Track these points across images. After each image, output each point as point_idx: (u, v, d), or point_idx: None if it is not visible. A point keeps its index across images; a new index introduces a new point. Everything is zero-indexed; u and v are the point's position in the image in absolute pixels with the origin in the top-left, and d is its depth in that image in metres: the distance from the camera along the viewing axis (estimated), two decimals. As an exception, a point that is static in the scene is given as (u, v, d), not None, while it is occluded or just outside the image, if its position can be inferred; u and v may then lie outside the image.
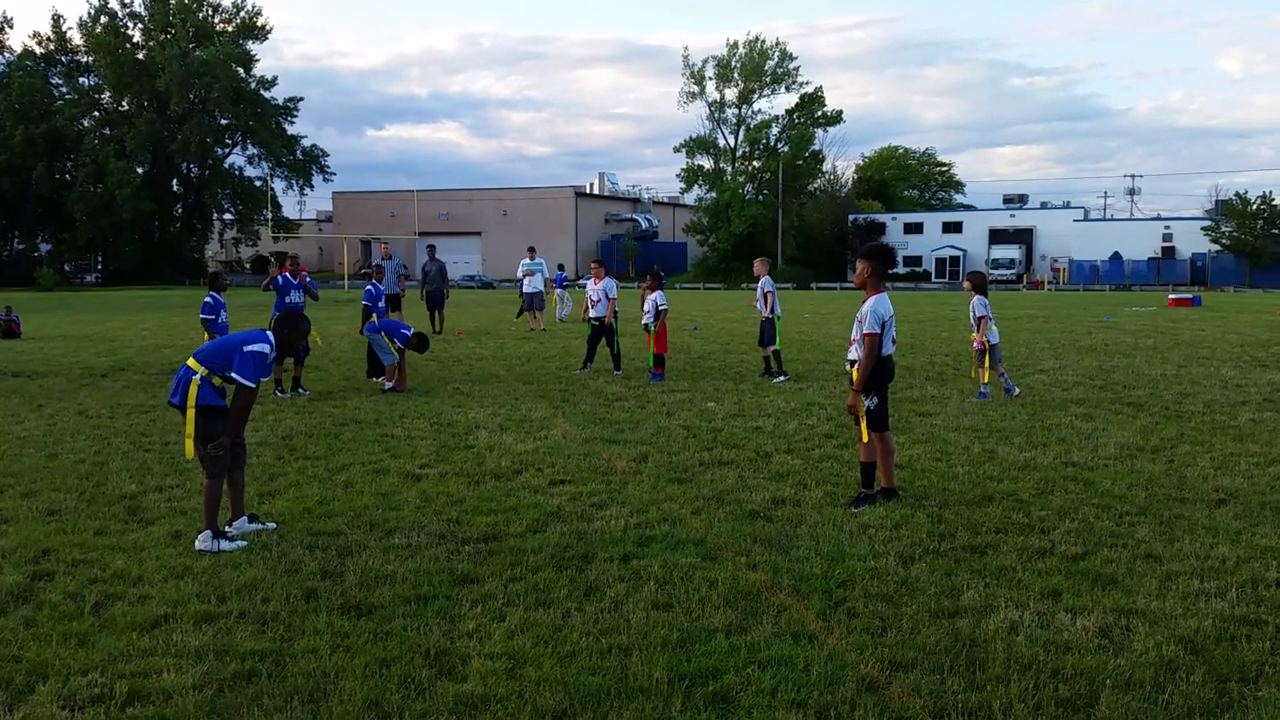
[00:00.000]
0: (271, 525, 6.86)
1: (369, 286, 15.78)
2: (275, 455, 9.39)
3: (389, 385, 13.81)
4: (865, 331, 7.35)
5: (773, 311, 15.21)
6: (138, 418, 11.64)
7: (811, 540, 6.50)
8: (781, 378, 14.94)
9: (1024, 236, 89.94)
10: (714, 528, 6.86)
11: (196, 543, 6.49)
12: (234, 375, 6.54)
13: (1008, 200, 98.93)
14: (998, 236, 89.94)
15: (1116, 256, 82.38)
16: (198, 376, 6.59)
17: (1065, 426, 10.76)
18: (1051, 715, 4.14)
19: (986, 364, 13.05)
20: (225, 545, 6.42)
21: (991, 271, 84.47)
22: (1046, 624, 5.11)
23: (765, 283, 15.41)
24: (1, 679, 4.48)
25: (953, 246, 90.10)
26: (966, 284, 13.62)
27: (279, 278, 14.60)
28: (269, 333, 6.80)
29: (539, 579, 5.81)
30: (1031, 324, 28.82)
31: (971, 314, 13.31)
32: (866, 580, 5.74)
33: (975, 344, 13.18)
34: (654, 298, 15.38)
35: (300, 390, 13.65)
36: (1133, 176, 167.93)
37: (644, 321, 15.60)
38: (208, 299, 14.01)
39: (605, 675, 4.50)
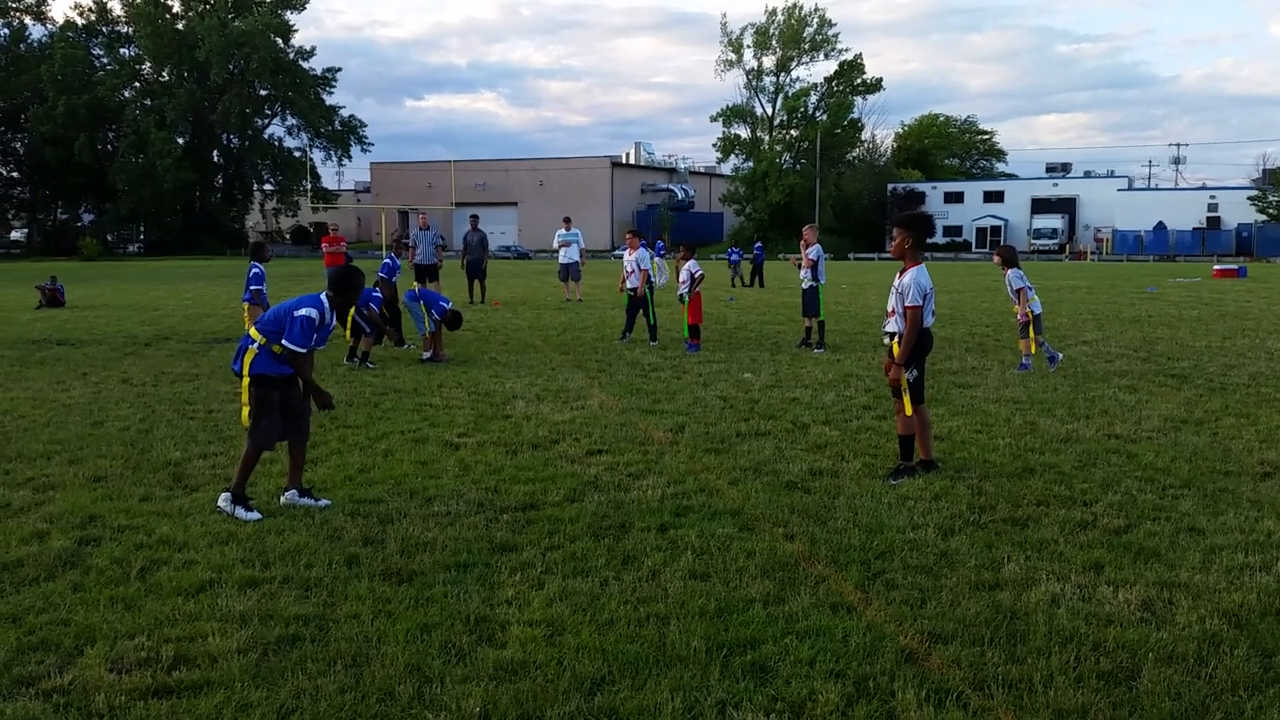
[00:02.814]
0: (325, 502, 6.80)
1: (386, 259, 15.86)
2: (317, 424, 9.47)
3: (426, 355, 13.88)
4: (908, 304, 7.26)
5: (817, 280, 15.08)
6: (181, 386, 11.80)
7: (849, 511, 6.49)
8: (820, 350, 14.84)
9: (1067, 206, 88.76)
10: (751, 498, 6.85)
11: (219, 499, 6.60)
12: (285, 342, 6.56)
13: (1050, 169, 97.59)
14: (1040, 206, 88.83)
15: (1161, 226, 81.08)
16: (255, 345, 6.63)
17: (1108, 399, 10.63)
18: (1093, 688, 4.11)
19: (1031, 335, 12.88)
20: (241, 513, 6.46)
21: (1034, 241, 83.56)
22: (1088, 597, 5.07)
23: (814, 250, 15.19)
24: (50, 642, 4.57)
25: (994, 216, 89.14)
26: (996, 259, 13.43)
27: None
28: (323, 297, 6.78)
29: (577, 548, 5.84)
30: (1074, 295, 28.47)
31: (1009, 288, 13.13)
32: (905, 552, 5.72)
33: (1020, 317, 12.99)
34: (688, 267, 15.33)
35: (368, 364, 13.51)
36: (1178, 145, 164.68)
37: (679, 293, 15.57)
38: (256, 269, 13.98)
39: (643, 643, 4.52)
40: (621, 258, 16.66)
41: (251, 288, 13.95)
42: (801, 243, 15.45)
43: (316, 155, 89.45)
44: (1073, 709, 3.96)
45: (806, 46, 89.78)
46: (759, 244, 38.85)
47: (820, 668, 4.27)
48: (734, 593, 5.13)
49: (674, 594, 5.11)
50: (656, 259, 17.41)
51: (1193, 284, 35.21)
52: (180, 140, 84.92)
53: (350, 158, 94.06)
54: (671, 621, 4.76)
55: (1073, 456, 8.02)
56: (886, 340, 7.63)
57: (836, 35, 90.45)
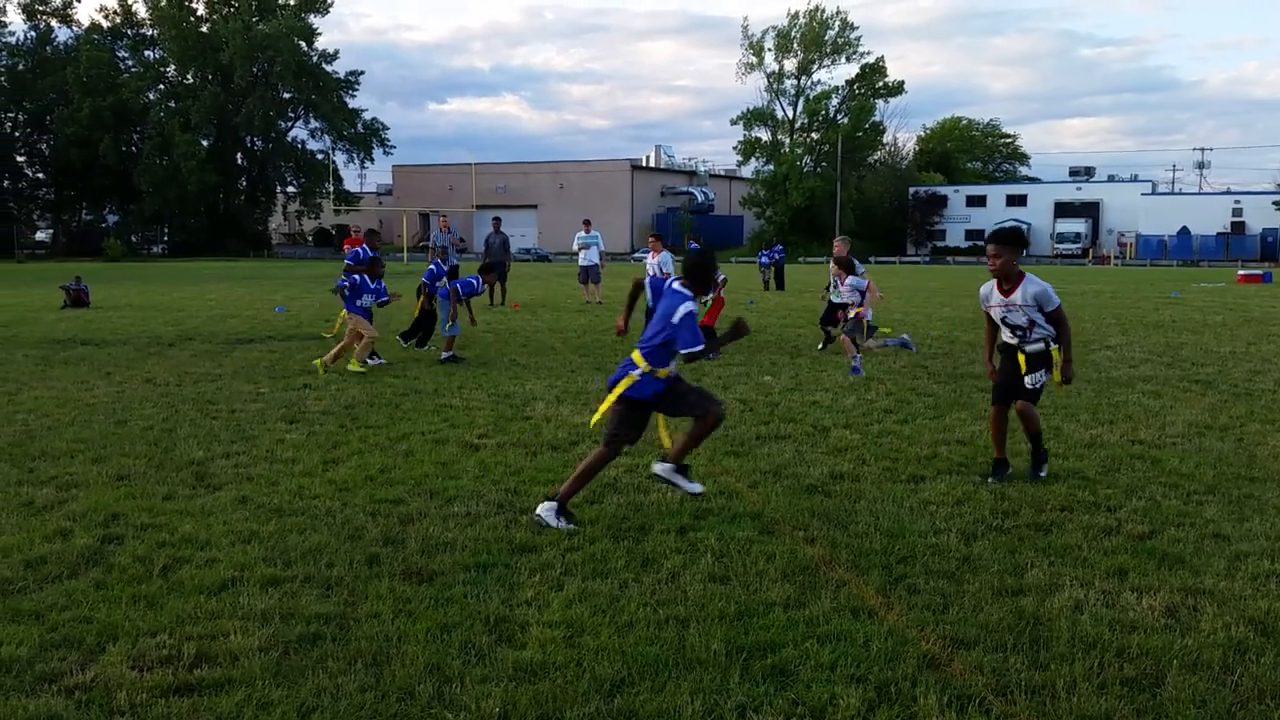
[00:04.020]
0: (697, 488, 6.55)
1: (430, 265, 15.78)
2: (338, 424, 9.53)
3: (445, 355, 13.92)
4: (1053, 307, 7.18)
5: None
6: (204, 386, 11.87)
7: (871, 516, 6.45)
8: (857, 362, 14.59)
9: (1090, 210, 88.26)
10: (771, 501, 6.83)
11: (540, 510, 6.28)
12: (684, 350, 6.27)
13: (1074, 173, 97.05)
14: (1063, 210, 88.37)
15: (1185, 231, 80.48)
16: (638, 372, 6.37)
17: (1132, 404, 10.55)
18: (1117, 694, 4.07)
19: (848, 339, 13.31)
20: (562, 524, 6.18)
21: (1057, 245, 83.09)
22: (1112, 603, 5.02)
23: (857, 281, 14.39)
24: (73, 639, 4.60)
25: (1017, 220, 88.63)
26: (834, 268, 14.09)
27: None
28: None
29: (596, 549, 5.83)
30: (1098, 299, 28.29)
31: (846, 292, 13.74)
32: (927, 557, 5.69)
33: (852, 315, 13.46)
34: (659, 259, 15.45)
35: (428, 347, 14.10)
36: (1202, 150, 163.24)
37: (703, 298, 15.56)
38: (358, 278, 13.45)
39: (663, 646, 4.51)
40: (644, 260, 16.70)
41: (378, 299, 13.45)
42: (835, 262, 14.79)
43: (339, 158, 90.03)
44: (1096, 716, 3.92)
45: (828, 49, 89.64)
46: (780, 246, 38.74)
47: (841, 672, 4.25)
48: (754, 596, 5.11)
49: (694, 596, 5.10)
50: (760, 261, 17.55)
51: (1217, 289, 34.91)
52: (204, 142, 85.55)
53: (372, 160, 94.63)
54: (691, 624, 4.75)
55: (1096, 462, 7.96)
56: (1005, 349, 7.51)
57: (858, 38, 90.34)
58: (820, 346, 15.32)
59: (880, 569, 5.48)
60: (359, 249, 14.09)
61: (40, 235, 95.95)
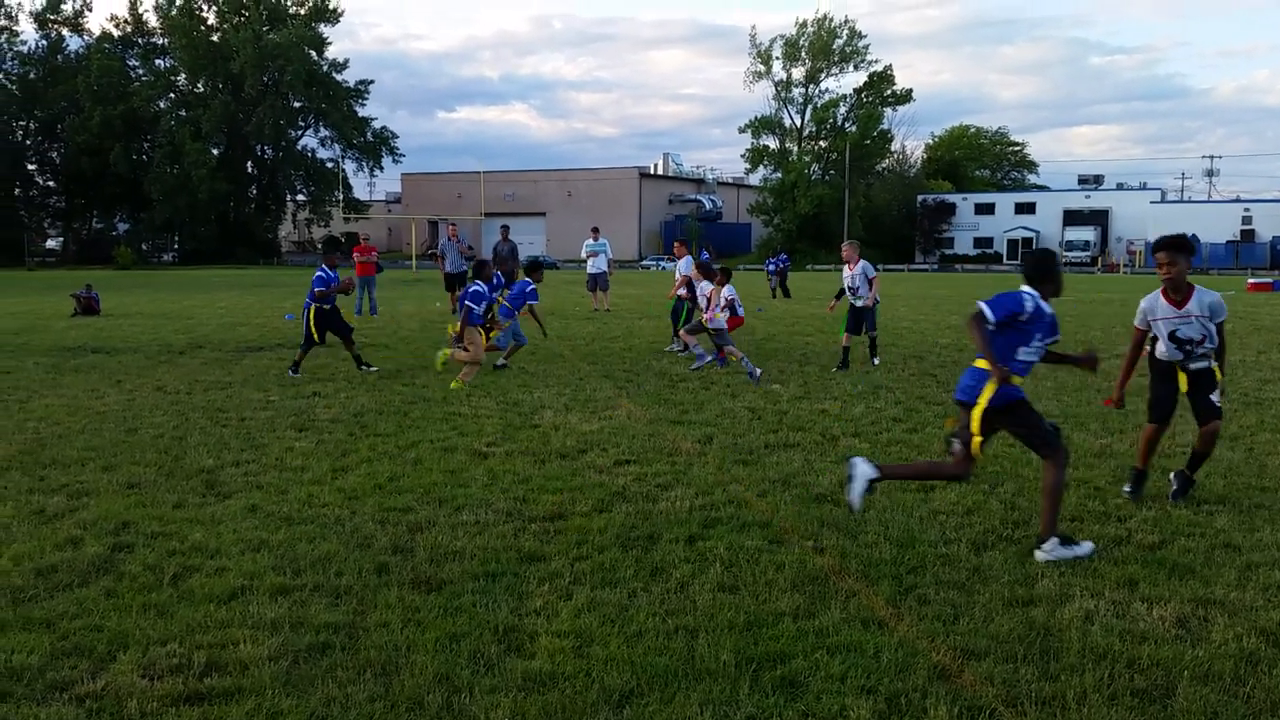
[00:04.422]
0: (1085, 547, 5.88)
1: (474, 288, 14.46)
2: (347, 432, 9.54)
3: (501, 362, 14.19)
4: (1223, 319, 6.95)
5: (855, 296, 14.42)
6: (215, 394, 11.90)
7: (880, 525, 6.44)
8: (876, 361, 14.51)
9: (1099, 218, 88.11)
10: (780, 511, 6.82)
11: (1040, 554, 5.79)
12: (993, 310, 5.83)
13: (1083, 181, 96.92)
14: (1072, 218, 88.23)
15: (1194, 239, 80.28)
16: (988, 384, 5.81)
17: (1142, 413, 10.48)
18: (1127, 706, 4.06)
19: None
20: (1075, 550, 5.80)
21: (1066, 254, 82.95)
22: (1122, 613, 5.01)
23: (868, 268, 14.44)
24: (84, 648, 4.61)
25: (1025, 228, 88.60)
26: (696, 273, 14.39)
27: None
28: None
29: (605, 558, 5.83)
30: (1108, 308, 28.22)
31: (710, 300, 13.84)
32: (938, 567, 5.67)
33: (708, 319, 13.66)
34: (724, 293, 15.26)
35: (366, 367, 13.74)
36: (1211, 158, 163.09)
37: (706, 318, 15.56)
38: (477, 287, 13.18)
39: (672, 656, 4.51)
40: (672, 267, 17.03)
41: (468, 303, 13.07)
42: (846, 263, 14.60)
43: (349, 166, 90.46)
44: (1108, 728, 3.90)
45: (836, 58, 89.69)
46: (784, 255, 38.79)
47: (851, 683, 4.24)
48: (763, 606, 5.10)
49: (703, 606, 5.09)
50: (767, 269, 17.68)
51: (1227, 297, 34.80)
52: (215, 151, 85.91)
53: (381, 169, 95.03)
54: (700, 634, 4.74)
55: (1107, 471, 7.94)
56: (1162, 367, 7.17)
57: (866, 47, 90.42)
58: (840, 365, 14.31)
59: (890, 579, 5.47)
60: (326, 270, 13.72)
61: (51, 243, 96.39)
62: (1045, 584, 5.40)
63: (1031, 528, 6.39)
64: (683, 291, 16.16)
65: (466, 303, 13.14)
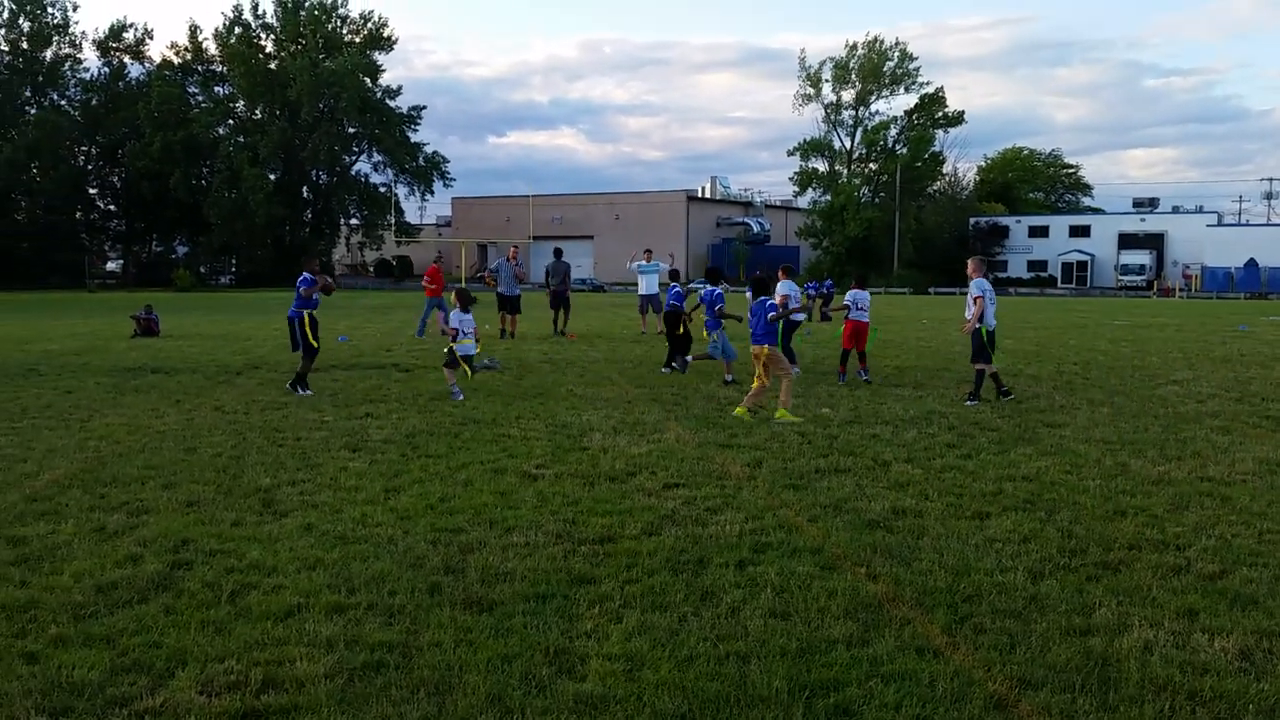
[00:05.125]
0: None
1: (704, 291, 15.93)
2: (399, 452, 9.64)
3: (729, 378, 14.94)
4: None
5: (980, 320, 12.87)
6: (271, 414, 12.07)
7: (935, 553, 6.37)
8: (971, 401, 12.86)
9: (1154, 242, 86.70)
10: (831, 536, 6.77)
11: None
12: None
13: (1138, 204, 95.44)
14: (1127, 241, 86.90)
15: (1252, 263, 78.64)
16: None
17: (1200, 440, 10.32)
18: (1191, 741, 3.97)
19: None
20: None
21: (1121, 278, 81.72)
22: (1182, 644, 4.91)
23: (976, 284, 13.11)
24: (143, 664, 4.69)
25: (1080, 251, 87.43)
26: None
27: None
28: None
29: (655, 582, 5.82)
30: (1163, 333, 27.74)
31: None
32: (993, 595, 5.60)
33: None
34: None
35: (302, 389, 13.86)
36: (1270, 180, 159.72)
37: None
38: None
39: (724, 681, 4.49)
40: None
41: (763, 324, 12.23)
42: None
43: (400, 190, 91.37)
44: (1170, 762, 3.82)
45: (886, 80, 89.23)
46: (829, 280, 38.68)
47: (906, 712, 4.19)
48: (816, 633, 5.06)
49: (754, 632, 5.07)
50: (808, 292, 17.83)
51: (1289, 322, 34.02)
52: (271, 176, 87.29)
53: (433, 193, 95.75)
54: (752, 660, 4.72)
55: (1165, 499, 7.79)
56: None
57: (918, 69, 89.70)
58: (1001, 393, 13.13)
59: (945, 607, 5.40)
60: (308, 276, 14.44)
61: (111, 265, 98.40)
62: (1103, 613, 5.31)
63: (1089, 556, 6.29)
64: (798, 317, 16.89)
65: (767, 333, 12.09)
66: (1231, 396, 13.75)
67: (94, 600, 5.51)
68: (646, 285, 26.33)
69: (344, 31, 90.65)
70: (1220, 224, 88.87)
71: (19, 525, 7.01)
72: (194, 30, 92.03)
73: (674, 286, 17.20)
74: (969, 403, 12.82)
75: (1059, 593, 5.64)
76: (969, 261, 13.66)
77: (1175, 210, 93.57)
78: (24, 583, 5.79)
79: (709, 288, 15.85)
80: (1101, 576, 5.93)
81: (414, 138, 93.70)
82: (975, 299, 13.00)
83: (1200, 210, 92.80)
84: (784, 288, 16.05)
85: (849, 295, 15.88)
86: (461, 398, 13.12)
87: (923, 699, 4.30)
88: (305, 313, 14.07)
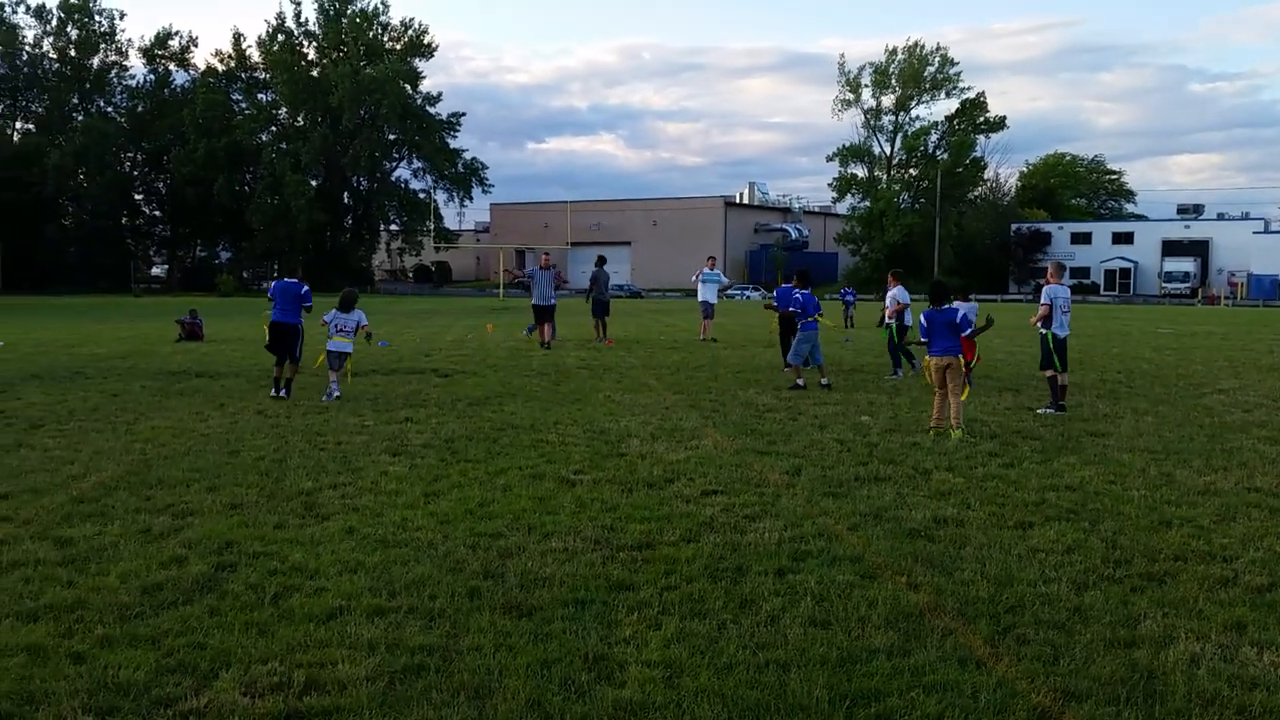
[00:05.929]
0: None
1: (798, 293, 15.87)
2: (439, 457, 9.70)
3: (824, 381, 15.18)
4: None
5: (1047, 326, 12.67)
6: (313, 418, 12.19)
7: (977, 562, 6.31)
8: (1047, 409, 12.65)
9: (1199, 249, 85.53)
10: (872, 545, 6.73)
11: None
12: None
13: (1182, 210, 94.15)
14: (1171, 248, 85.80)
15: (1298, 269, 77.36)
16: None
17: (1247, 450, 10.15)
18: (1240, 757, 3.90)
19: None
20: None
21: (1165, 285, 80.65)
22: (1230, 658, 4.83)
23: (1046, 291, 12.92)
24: (187, 665, 4.75)
25: (1123, 258, 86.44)
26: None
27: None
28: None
29: (694, 589, 5.81)
30: (1209, 341, 27.33)
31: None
32: (1037, 606, 5.54)
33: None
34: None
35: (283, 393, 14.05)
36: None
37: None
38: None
39: (764, 690, 4.47)
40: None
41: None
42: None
43: (440, 197, 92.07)
44: (1219, 778, 3.76)
45: (927, 85, 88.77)
46: (850, 289, 38.31)
47: (947, 722, 4.15)
48: (856, 642, 5.03)
49: (794, 640, 5.05)
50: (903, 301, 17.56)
51: (1339, 331, 33.40)
52: (313, 182, 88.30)
53: (471, 199, 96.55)
54: (792, 669, 4.69)
55: (1211, 510, 7.67)
56: None
57: (958, 74, 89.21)
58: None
59: (988, 618, 5.35)
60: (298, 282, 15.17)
61: (155, 270, 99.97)
62: (1148, 625, 5.24)
63: (1134, 567, 6.21)
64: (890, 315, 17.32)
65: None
66: (1279, 406, 13.53)
67: (140, 601, 5.59)
68: (705, 292, 26.43)
69: (385, 39, 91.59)
70: (1267, 230, 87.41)
71: (66, 526, 7.13)
72: (237, 38, 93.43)
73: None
74: (1049, 411, 12.54)
75: (1103, 604, 5.56)
76: (1048, 264, 13.56)
77: (1220, 217, 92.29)
78: (71, 583, 5.87)
79: (800, 291, 15.83)
80: (1147, 588, 5.85)
81: (453, 144, 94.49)
82: (1042, 305, 12.81)
83: (1247, 217, 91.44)
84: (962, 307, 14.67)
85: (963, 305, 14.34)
86: (335, 398, 13.53)
87: (965, 710, 4.26)
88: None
